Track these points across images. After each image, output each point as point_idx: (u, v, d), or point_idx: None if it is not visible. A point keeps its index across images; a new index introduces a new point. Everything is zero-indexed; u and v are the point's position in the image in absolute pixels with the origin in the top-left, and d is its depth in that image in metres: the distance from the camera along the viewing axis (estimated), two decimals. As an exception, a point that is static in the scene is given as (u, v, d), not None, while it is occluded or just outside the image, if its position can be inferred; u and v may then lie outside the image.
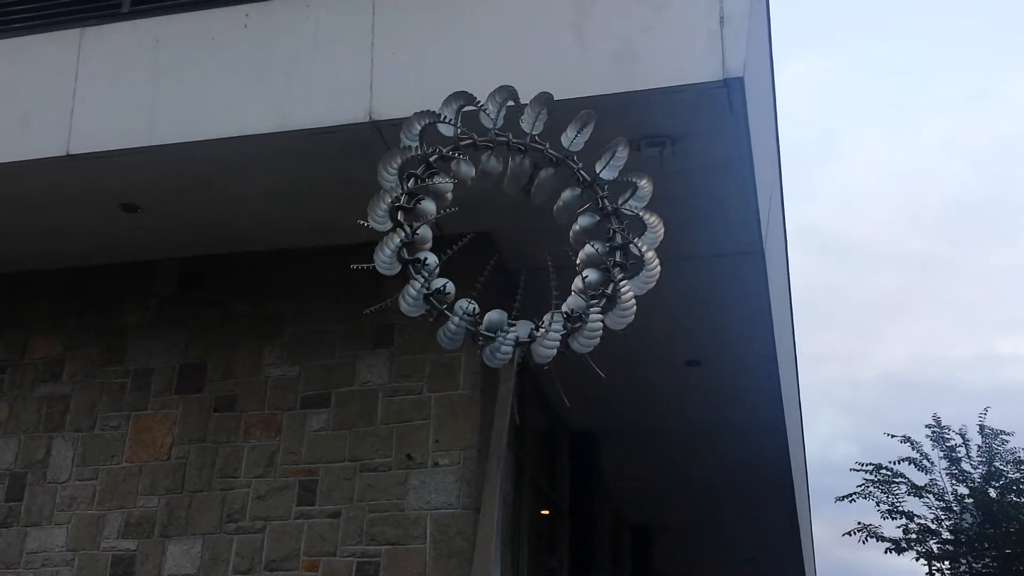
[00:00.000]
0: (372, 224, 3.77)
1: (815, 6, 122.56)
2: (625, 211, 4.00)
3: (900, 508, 19.21)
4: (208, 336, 7.13)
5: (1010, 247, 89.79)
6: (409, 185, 3.84)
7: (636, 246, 3.89)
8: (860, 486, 19.61)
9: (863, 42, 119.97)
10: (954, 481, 19.06)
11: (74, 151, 6.06)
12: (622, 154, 4.07)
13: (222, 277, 7.28)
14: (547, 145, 4.07)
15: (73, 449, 7.07)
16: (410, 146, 3.93)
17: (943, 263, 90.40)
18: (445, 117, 3.99)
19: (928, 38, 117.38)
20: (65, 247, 7.30)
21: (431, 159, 3.92)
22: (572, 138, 4.09)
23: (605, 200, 4.00)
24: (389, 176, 3.87)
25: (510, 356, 3.71)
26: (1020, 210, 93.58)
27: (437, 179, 3.88)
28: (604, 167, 4.04)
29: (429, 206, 3.83)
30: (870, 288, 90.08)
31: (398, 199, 3.80)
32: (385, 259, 3.72)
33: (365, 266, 3.77)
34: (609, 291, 3.79)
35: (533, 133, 4.05)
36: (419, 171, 3.89)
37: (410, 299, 3.69)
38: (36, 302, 7.60)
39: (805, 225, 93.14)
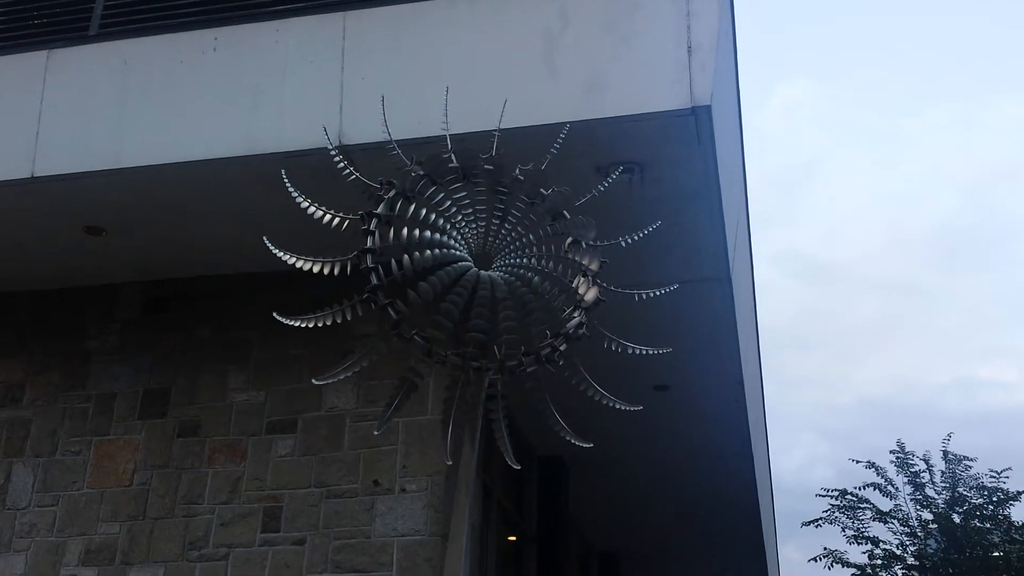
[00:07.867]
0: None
1: (803, 32, 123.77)
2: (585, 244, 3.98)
3: (866, 534, 19.34)
4: (172, 361, 7.06)
5: (994, 274, 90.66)
6: (380, 210, 3.74)
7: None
8: (826, 511, 19.75)
9: (852, 68, 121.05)
10: (918, 507, 19.21)
11: (39, 173, 6.00)
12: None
13: (187, 301, 7.21)
14: (517, 169, 4.05)
15: (33, 475, 6.95)
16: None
17: (926, 290, 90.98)
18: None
19: (916, 65, 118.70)
20: (28, 270, 7.21)
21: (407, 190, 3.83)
22: None
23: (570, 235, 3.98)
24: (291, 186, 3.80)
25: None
26: (1005, 238, 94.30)
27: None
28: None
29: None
30: (853, 314, 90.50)
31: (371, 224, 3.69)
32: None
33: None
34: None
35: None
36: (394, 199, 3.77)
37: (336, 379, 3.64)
38: (-3, 325, 7.50)
39: (789, 249, 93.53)
